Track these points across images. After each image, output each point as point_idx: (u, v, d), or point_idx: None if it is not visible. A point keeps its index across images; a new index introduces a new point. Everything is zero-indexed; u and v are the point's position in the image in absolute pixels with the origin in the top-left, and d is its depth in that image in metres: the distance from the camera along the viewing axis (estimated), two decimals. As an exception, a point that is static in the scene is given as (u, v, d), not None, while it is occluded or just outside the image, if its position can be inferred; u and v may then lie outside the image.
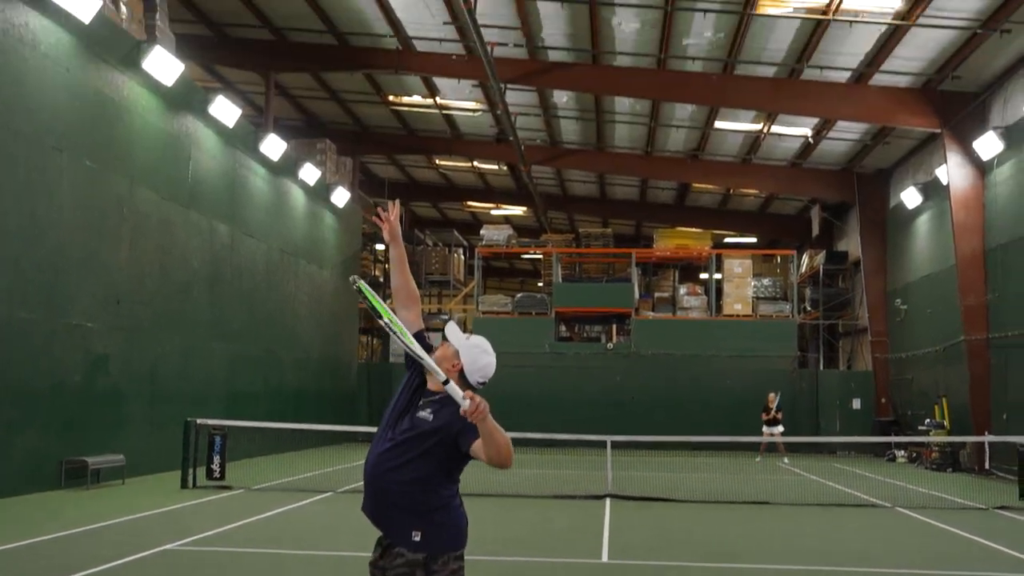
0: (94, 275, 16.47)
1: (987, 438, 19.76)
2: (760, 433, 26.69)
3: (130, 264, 17.68)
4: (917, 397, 28.08)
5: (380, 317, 4.53)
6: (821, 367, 35.09)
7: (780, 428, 27.00)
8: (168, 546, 10.29)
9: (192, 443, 16.38)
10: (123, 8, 17.60)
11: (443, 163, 35.47)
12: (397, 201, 5.01)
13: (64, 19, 15.45)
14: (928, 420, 25.43)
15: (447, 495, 4.45)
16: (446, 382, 4.24)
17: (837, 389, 32.10)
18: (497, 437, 4.23)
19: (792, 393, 31.09)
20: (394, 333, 4.52)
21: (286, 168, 25.50)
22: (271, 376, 24.71)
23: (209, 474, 16.62)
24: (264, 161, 23.93)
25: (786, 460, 26.61)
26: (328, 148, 28.69)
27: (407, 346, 4.46)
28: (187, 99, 20.00)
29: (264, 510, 13.50)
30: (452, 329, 4.68)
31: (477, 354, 4.56)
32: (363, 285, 4.58)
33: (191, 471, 16.22)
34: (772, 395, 27.41)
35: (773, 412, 27.07)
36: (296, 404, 26.27)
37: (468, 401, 4.07)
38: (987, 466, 22.33)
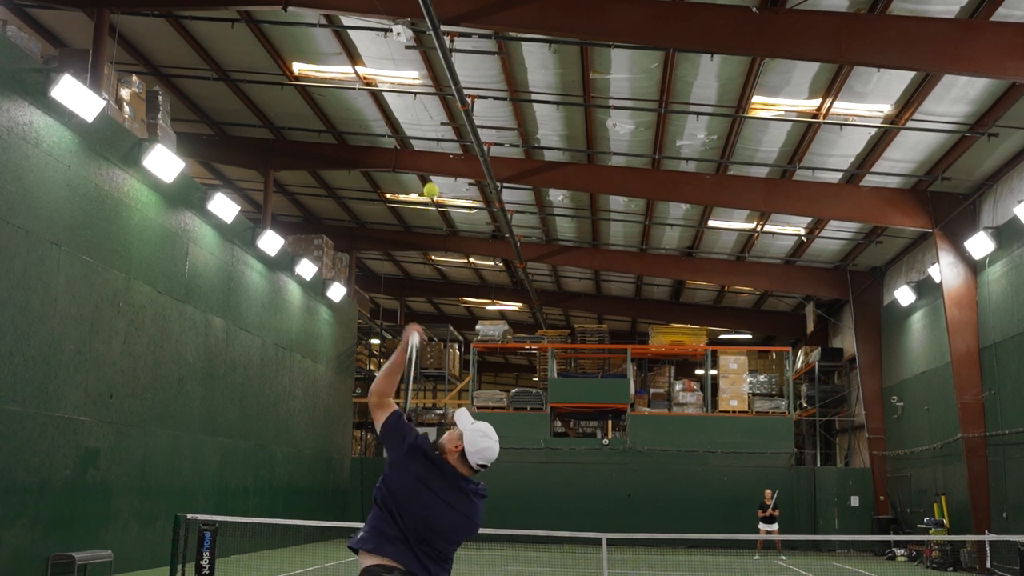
0: (87, 368, 16.43)
1: (987, 536, 19.51)
2: (756, 530, 26.39)
3: (123, 358, 17.65)
4: (916, 494, 27.82)
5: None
6: (818, 464, 34.82)
7: (776, 525, 26.71)
8: (154, 645, 10.07)
9: (182, 538, 16.12)
10: (126, 108, 17.96)
11: (439, 259, 35.73)
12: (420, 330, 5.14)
13: (68, 118, 15.72)
14: (927, 518, 25.13)
15: None
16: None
17: (835, 486, 31.80)
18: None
19: (790, 490, 30.80)
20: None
21: (283, 263, 25.66)
22: (262, 471, 24.46)
23: (198, 571, 16.31)
24: (261, 256, 24.09)
25: (783, 557, 26.25)
26: (325, 244, 28.92)
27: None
28: (186, 195, 20.24)
29: (253, 609, 13.23)
30: (462, 414, 4.85)
31: (478, 437, 4.74)
32: None
33: (180, 568, 15.93)
34: (769, 491, 27.17)
35: (771, 509, 26.79)
36: (287, 499, 25.95)
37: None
38: (988, 565, 21.99)
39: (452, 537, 4.66)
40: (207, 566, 16.36)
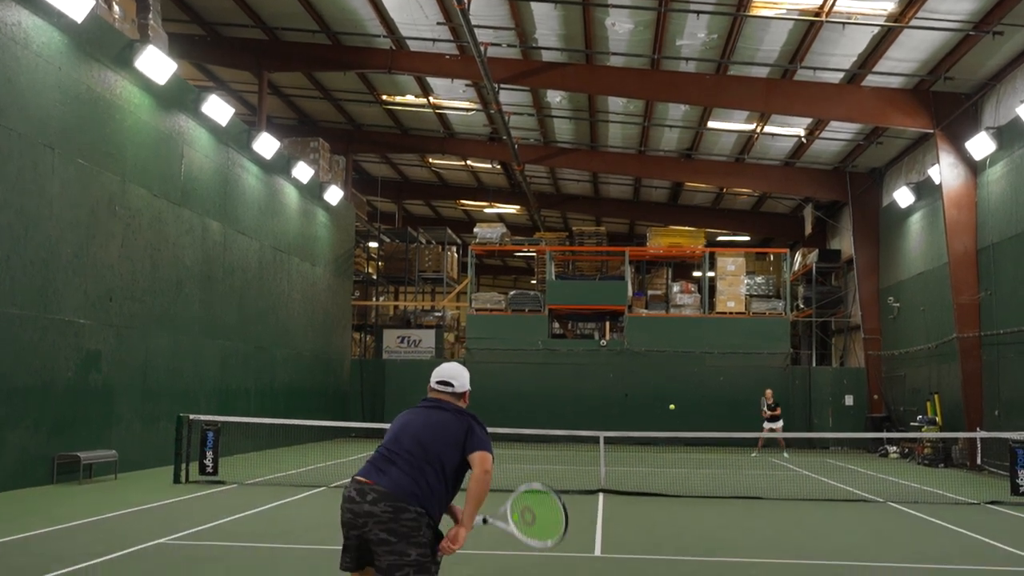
0: (85, 272, 16.46)
1: (979, 434, 19.81)
2: (760, 429, 26.71)
3: (121, 261, 17.66)
4: (909, 394, 28.18)
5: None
6: (814, 364, 35.15)
7: (781, 423, 27.06)
8: (162, 540, 10.29)
9: (184, 439, 16.39)
10: (116, 7, 17.61)
11: (436, 162, 35.49)
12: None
13: (56, 18, 15.45)
14: (920, 416, 25.51)
15: None
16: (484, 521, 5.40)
17: (830, 386, 32.21)
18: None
19: (785, 390, 31.18)
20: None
21: (279, 166, 25.50)
22: (263, 373, 24.71)
23: (202, 469, 16.61)
24: (257, 159, 23.93)
25: (786, 455, 26.69)
26: (321, 147, 28.68)
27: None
28: (179, 98, 20.00)
29: (257, 505, 13.50)
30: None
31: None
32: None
33: (184, 466, 16.22)
34: (770, 391, 27.51)
35: (773, 409, 27.08)
36: (288, 400, 26.28)
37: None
38: (979, 462, 22.40)
39: (399, 436, 5.22)
40: (210, 465, 16.65)
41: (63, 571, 8.51)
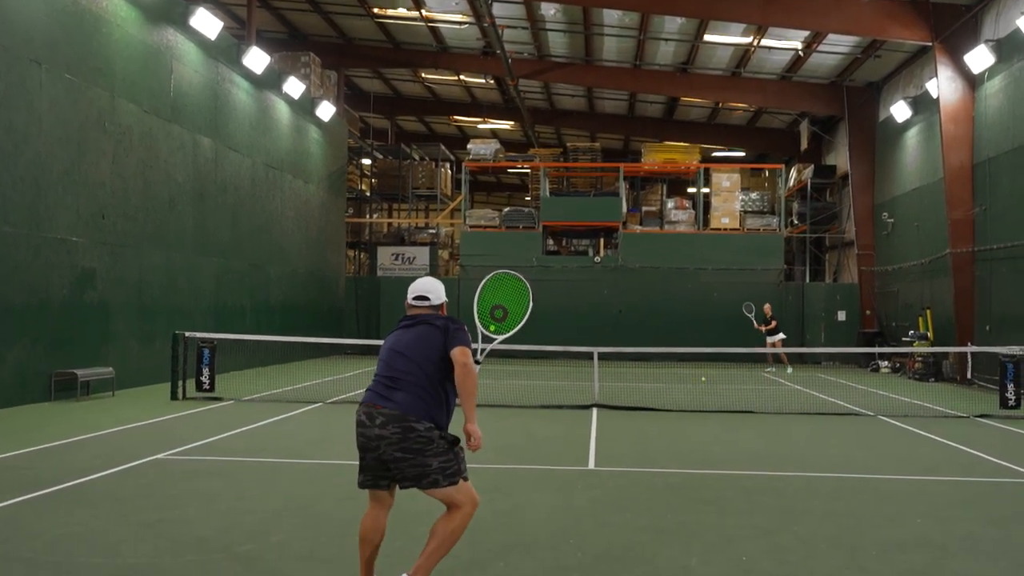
0: (76, 190, 16.35)
1: (969, 348, 19.97)
2: (764, 346, 26.87)
3: (113, 178, 17.54)
4: (902, 309, 28.34)
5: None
6: (807, 280, 35.26)
7: (780, 335, 27.13)
8: (160, 455, 10.40)
9: (181, 356, 16.46)
10: (99, -86, 17.16)
11: (429, 77, 35.05)
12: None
13: (38, -75, 15.08)
14: (912, 332, 25.69)
15: None
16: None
17: (823, 301, 32.37)
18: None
19: (779, 305, 31.29)
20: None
21: (269, 82, 25.17)
22: (258, 290, 24.74)
23: (199, 386, 16.72)
24: (247, 75, 23.60)
25: (790, 370, 26.84)
26: (312, 61, 28.28)
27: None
28: (167, 11, 19.63)
29: (255, 420, 13.63)
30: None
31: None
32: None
33: (180, 383, 16.32)
34: (768, 306, 27.59)
35: (769, 320, 27.18)
36: (283, 318, 26.36)
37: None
38: (969, 376, 22.65)
39: (391, 360, 5.37)
40: (207, 382, 16.76)
41: (62, 486, 8.61)
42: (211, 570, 6.00)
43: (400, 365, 5.25)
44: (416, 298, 5.52)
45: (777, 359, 28.27)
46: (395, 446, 5.07)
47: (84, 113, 16.57)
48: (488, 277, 6.51)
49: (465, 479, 5.25)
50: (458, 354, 5.26)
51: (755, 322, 27.48)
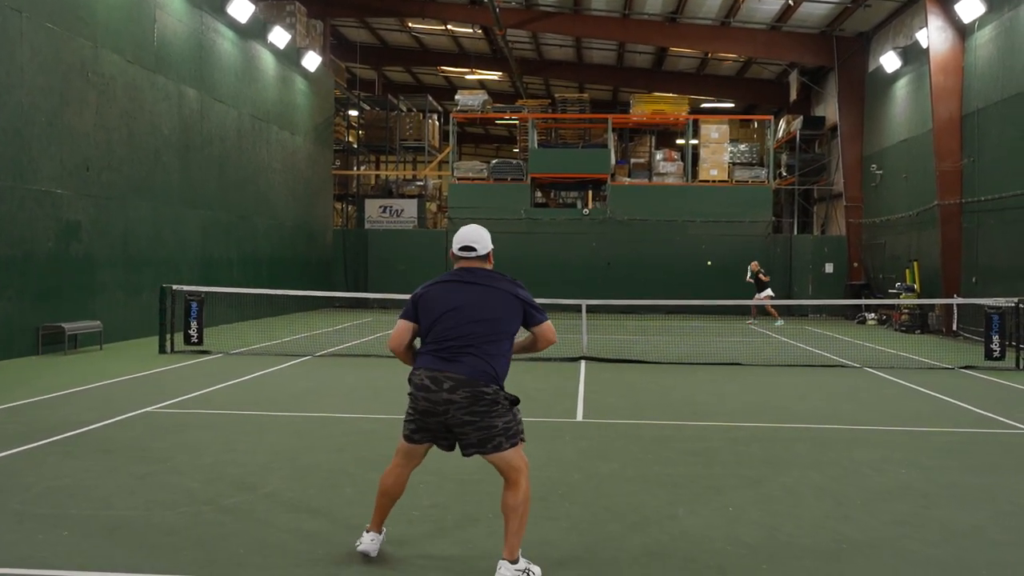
0: (60, 141, 16.19)
1: (955, 300, 20.07)
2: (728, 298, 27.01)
3: (97, 130, 17.37)
4: (889, 261, 28.42)
5: None
6: (795, 232, 35.30)
7: (768, 291, 27.21)
8: (149, 408, 10.41)
9: (168, 309, 16.42)
10: None
11: (416, 26, 34.67)
12: None
13: None
14: (899, 284, 25.79)
15: None
16: None
17: (810, 254, 32.43)
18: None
19: (766, 258, 31.37)
20: None
21: (255, 31, 24.88)
22: (245, 242, 24.64)
23: (187, 339, 16.71)
24: (232, 24, 23.31)
25: (780, 322, 26.96)
26: (298, 10, 27.93)
27: None
28: (149, -43, 19.34)
29: (244, 373, 13.64)
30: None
31: (457, 235, 5.40)
32: None
33: (168, 336, 16.30)
34: (755, 263, 27.61)
35: (760, 277, 27.20)
36: (271, 271, 26.29)
37: None
38: (954, 327, 22.79)
39: (458, 323, 5.13)
40: (195, 335, 16.74)
41: (51, 439, 8.62)
42: (201, 522, 6.02)
43: (467, 330, 5.10)
44: (463, 248, 5.29)
45: (763, 312, 28.37)
46: (464, 410, 5.00)
47: (67, 63, 16.36)
48: None
49: (523, 440, 5.20)
50: (547, 331, 5.34)
51: (749, 274, 27.49)
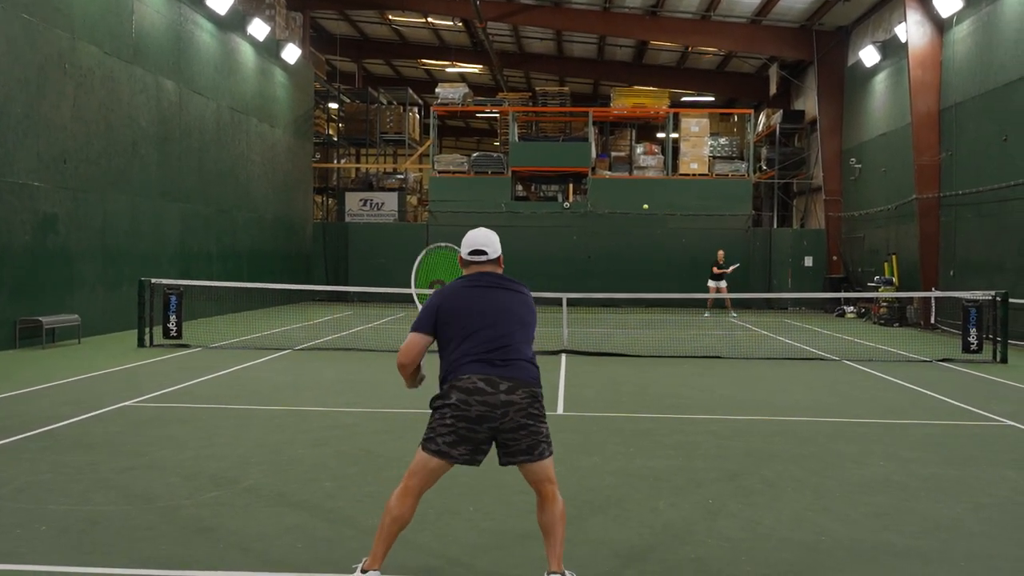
0: (37, 133, 16.05)
1: (933, 293, 20.20)
2: (707, 289, 27.17)
3: (74, 122, 17.23)
4: (868, 255, 28.58)
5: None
6: (775, 225, 35.44)
7: (724, 282, 27.37)
8: (128, 402, 10.35)
9: (147, 303, 16.32)
10: None
11: (396, 18, 34.56)
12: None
13: None
14: (878, 277, 25.94)
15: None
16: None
17: (790, 247, 32.57)
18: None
19: (746, 251, 31.50)
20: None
21: (234, 23, 24.73)
22: (224, 236, 24.52)
23: (166, 333, 16.62)
24: (211, 16, 23.17)
25: (734, 315, 27.21)
26: (277, 2, 27.79)
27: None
28: (127, -52, 19.19)
29: (223, 367, 13.57)
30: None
31: (465, 239, 5.18)
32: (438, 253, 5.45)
33: (147, 330, 16.21)
34: (722, 252, 27.81)
35: (722, 267, 27.40)
36: (251, 264, 26.18)
37: None
38: (932, 320, 22.93)
39: (489, 329, 4.89)
40: (174, 329, 16.65)
41: (29, 434, 8.55)
42: (180, 516, 5.99)
43: (509, 332, 4.88)
44: (473, 252, 5.06)
45: (718, 303, 28.56)
46: (523, 412, 4.74)
47: (43, 54, 16.22)
48: (425, 252, 6.07)
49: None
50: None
51: (726, 265, 27.65)
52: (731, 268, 27.49)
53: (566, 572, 4.86)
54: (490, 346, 4.82)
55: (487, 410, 4.69)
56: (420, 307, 5.39)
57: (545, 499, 4.85)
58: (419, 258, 5.44)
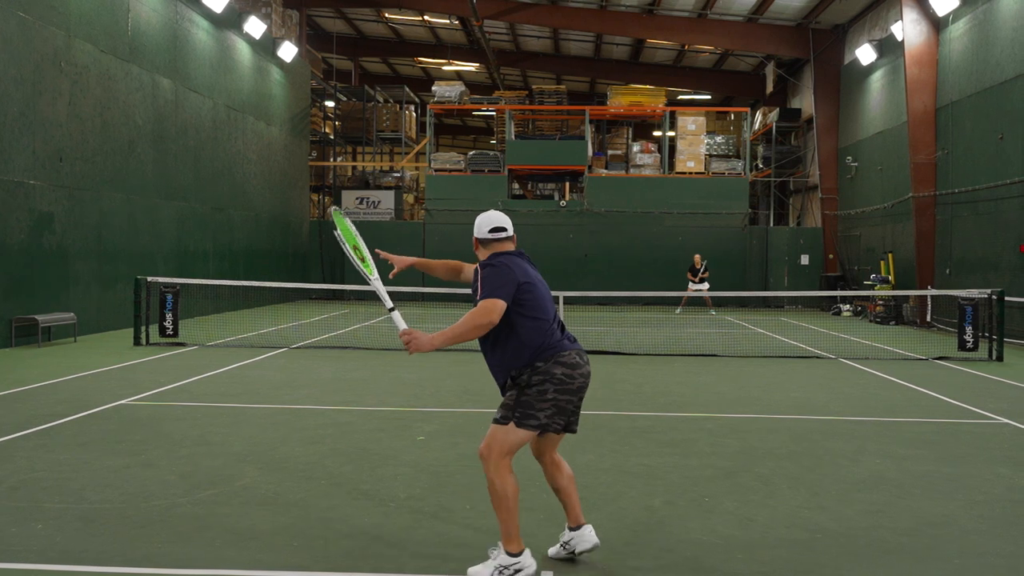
0: (33, 131, 16.03)
1: (929, 292, 20.23)
2: (685, 289, 27.67)
3: (70, 120, 17.21)
4: (864, 253, 28.61)
5: (345, 243, 5.45)
6: (771, 224, 35.47)
7: (706, 285, 27.76)
8: (124, 401, 10.34)
9: (144, 301, 16.31)
10: None
11: (393, 16, 34.56)
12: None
13: None
14: (874, 275, 25.97)
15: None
16: (391, 310, 5.06)
17: (786, 245, 32.60)
18: (461, 337, 4.81)
19: (742, 249, 31.55)
20: (354, 262, 5.36)
21: (230, 21, 24.71)
22: (220, 234, 24.51)
23: (162, 331, 16.61)
24: (207, 13, 23.15)
25: (713, 312, 27.51)
26: (273, 0, 27.75)
27: (363, 273, 5.33)
28: (123, -54, 19.17)
29: (220, 365, 13.57)
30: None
31: (478, 221, 5.28)
32: (337, 214, 5.52)
33: (143, 329, 16.20)
34: (698, 256, 28.08)
35: (701, 272, 27.72)
36: (247, 262, 26.17)
37: (406, 336, 4.81)
38: (929, 319, 22.97)
39: (549, 300, 5.18)
40: (170, 327, 16.65)
41: (25, 432, 8.55)
42: (176, 514, 5.99)
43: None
44: (494, 230, 5.19)
45: (693, 301, 28.93)
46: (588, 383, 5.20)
47: (39, 52, 16.20)
48: (335, 211, 5.81)
49: None
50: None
51: (702, 269, 27.91)
52: (703, 270, 27.80)
53: (588, 525, 5.26)
54: (555, 316, 5.15)
55: (585, 381, 5.10)
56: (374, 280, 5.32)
57: (558, 465, 5.25)
58: (339, 218, 5.17)
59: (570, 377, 4.98)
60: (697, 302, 28.85)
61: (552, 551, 5.31)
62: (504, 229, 5.19)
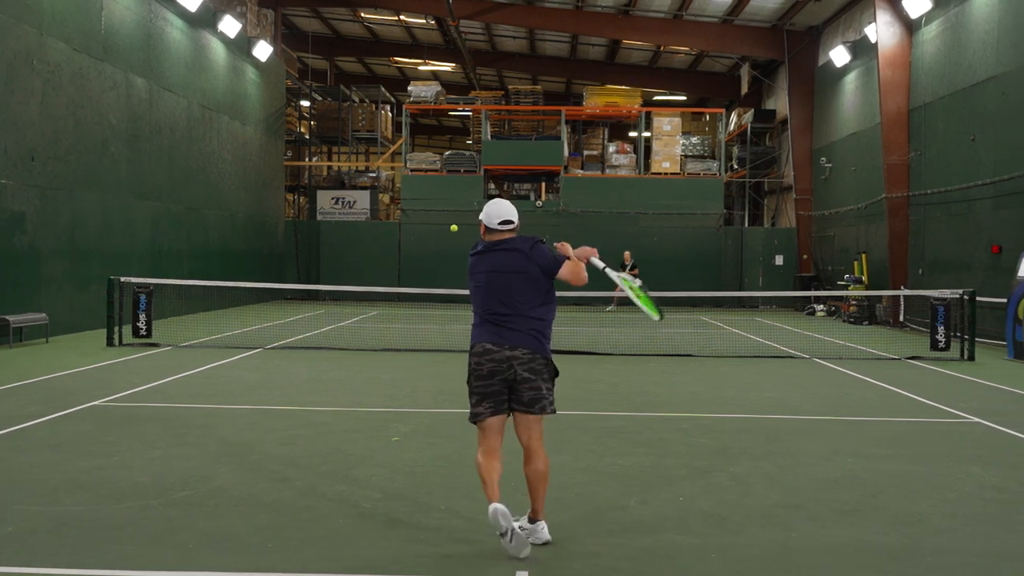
0: (5, 130, 15.89)
1: (902, 292, 20.39)
2: (676, 287, 27.67)
3: (43, 119, 17.06)
4: (838, 253, 28.80)
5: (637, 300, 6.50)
6: (746, 224, 35.63)
7: (639, 281, 27.79)
8: (97, 402, 10.26)
9: (117, 301, 16.19)
10: None
11: (369, 16, 34.46)
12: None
13: None
14: (848, 276, 26.15)
15: None
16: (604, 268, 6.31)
17: (761, 246, 32.77)
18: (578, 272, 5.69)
19: (717, 250, 31.68)
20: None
21: (204, 20, 24.57)
22: (195, 234, 24.37)
23: (135, 332, 16.49)
24: (181, 12, 23.01)
25: (610, 308, 27.78)
26: (248, -1, 27.64)
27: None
28: (96, -57, 19.02)
29: (193, 366, 13.49)
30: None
31: (486, 209, 5.72)
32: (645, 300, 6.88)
33: (117, 329, 16.08)
34: (628, 253, 28.20)
35: (630, 268, 27.81)
36: (222, 262, 26.03)
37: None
38: (901, 319, 23.15)
39: (499, 293, 5.51)
40: (144, 328, 16.53)
41: (-3, 433, 8.47)
42: (150, 516, 5.95)
43: (507, 303, 5.46)
44: (502, 222, 5.61)
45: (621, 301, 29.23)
46: (524, 365, 5.36)
47: (11, 50, 16.05)
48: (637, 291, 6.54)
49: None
50: (565, 273, 5.64)
51: (631, 267, 28.02)
52: (631, 267, 27.89)
53: (541, 522, 5.49)
54: (494, 311, 5.57)
55: (495, 366, 5.42)
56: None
57: (528, 454, 5.52)
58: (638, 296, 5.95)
59: (478, 364, 5.44)
60: (627, 300, 28.92)
61: (516, 523, 5.26)
62: (511, 221, 5.61)
